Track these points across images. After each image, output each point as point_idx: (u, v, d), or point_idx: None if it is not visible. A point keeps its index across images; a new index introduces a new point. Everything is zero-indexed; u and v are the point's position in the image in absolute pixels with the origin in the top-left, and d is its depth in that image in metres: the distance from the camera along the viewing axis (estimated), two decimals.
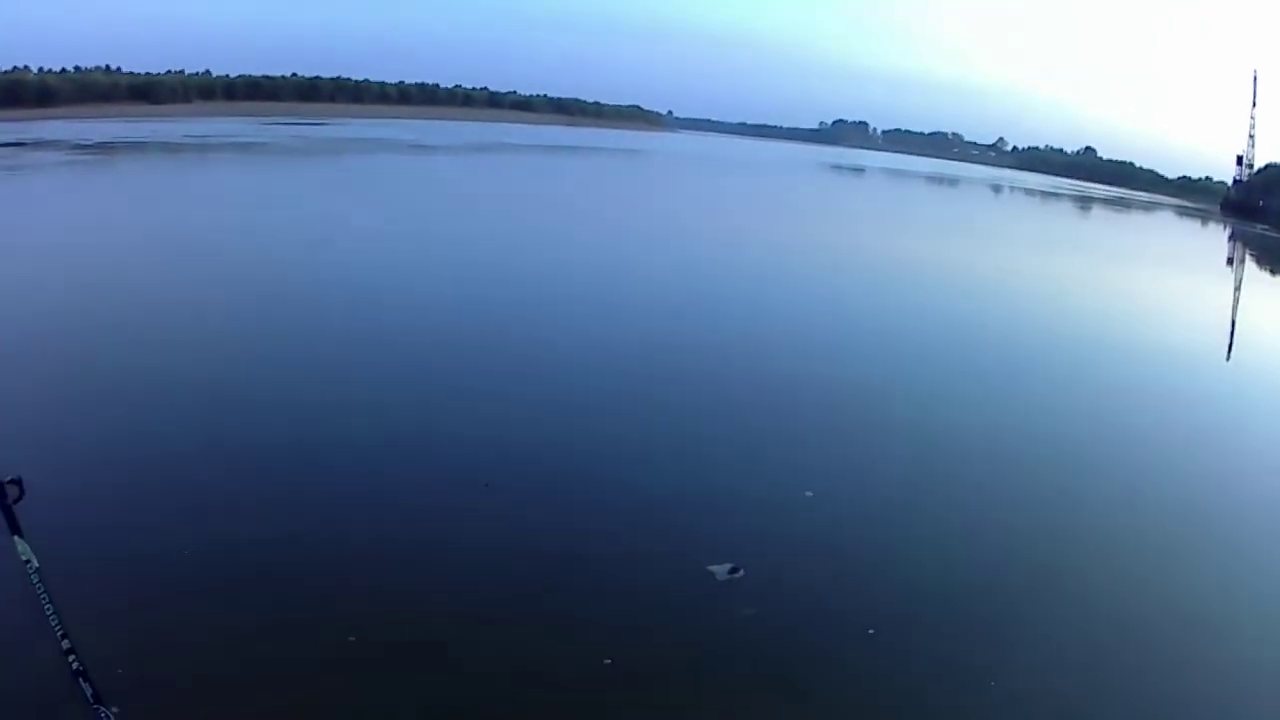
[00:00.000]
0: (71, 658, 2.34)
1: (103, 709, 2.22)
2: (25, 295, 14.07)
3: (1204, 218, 72.84)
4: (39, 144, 26.84)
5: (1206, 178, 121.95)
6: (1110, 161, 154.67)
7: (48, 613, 2.47)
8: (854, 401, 12.34)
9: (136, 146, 39.83)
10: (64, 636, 2.39)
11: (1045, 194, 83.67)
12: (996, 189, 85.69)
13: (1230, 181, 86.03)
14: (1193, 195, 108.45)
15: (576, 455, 9.57)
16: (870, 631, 6.63)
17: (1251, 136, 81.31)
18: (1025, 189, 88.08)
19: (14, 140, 29.18)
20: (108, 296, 14.37)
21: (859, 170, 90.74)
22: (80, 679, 2.28)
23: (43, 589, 2.55)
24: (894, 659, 6.38)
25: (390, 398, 10.76)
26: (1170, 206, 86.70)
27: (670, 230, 30.28)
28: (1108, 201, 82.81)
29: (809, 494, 8.85)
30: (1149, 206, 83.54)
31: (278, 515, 7.60)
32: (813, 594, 7.12)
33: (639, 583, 7.05)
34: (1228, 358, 19.49)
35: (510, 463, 9.13)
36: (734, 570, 7.14)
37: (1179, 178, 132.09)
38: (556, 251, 23.29)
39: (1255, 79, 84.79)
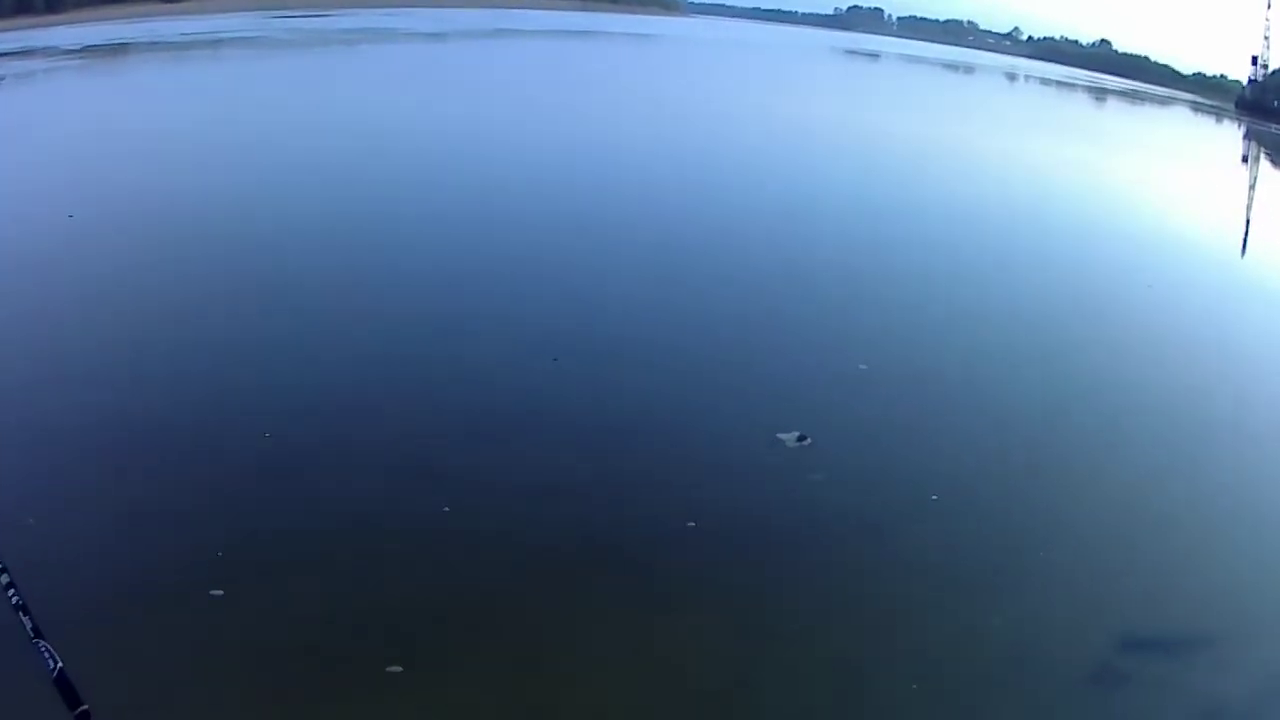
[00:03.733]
0: (11, 591, 2.22)
1: (42, 643, 2.08)
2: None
3: (1218, 115, 71.03)
4: (27, 52, 25.78)
5: (1221, 76, 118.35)
6: (1126, 55, 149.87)
7: None
8: (895, 279, 12.47)
9: (121, 49, 37.98)
10: (3, 570, 2.28)
11: (1060, 84, 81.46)
12: (1012, 77, 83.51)
13: (1245, 81, 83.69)
14: (1207, 92, 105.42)
15: (639, 331, 9.61)
16: (934, 497, 6.85)
17: (1266, 37, 78.57)
18: (1041, 78, 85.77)
19: (4, 50, 27.97)
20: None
21: (874, 55, 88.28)
22: (20, 612, 2.16)
23: None
24: (955, 525, 6.61)
25: (454, 281, 10.62)
26: (1185, 102, 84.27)
27: (710, 114, 29.61)
28: (1123, 94, 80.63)
29: (863, 367, 8.99)
30: (1164, 101, 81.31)
31: (363, 397, 7.61)
32: (876, 462, 7.34)
33: (714, 451, 7.24)
34: (1243, 254, 19.39)
35: (577, 339, 9.14)
36: (802, 438, 7.31)
37: (1194, 74, 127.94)
38: (603, 133, 22.80)
39: None
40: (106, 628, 4.68)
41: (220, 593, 5.05)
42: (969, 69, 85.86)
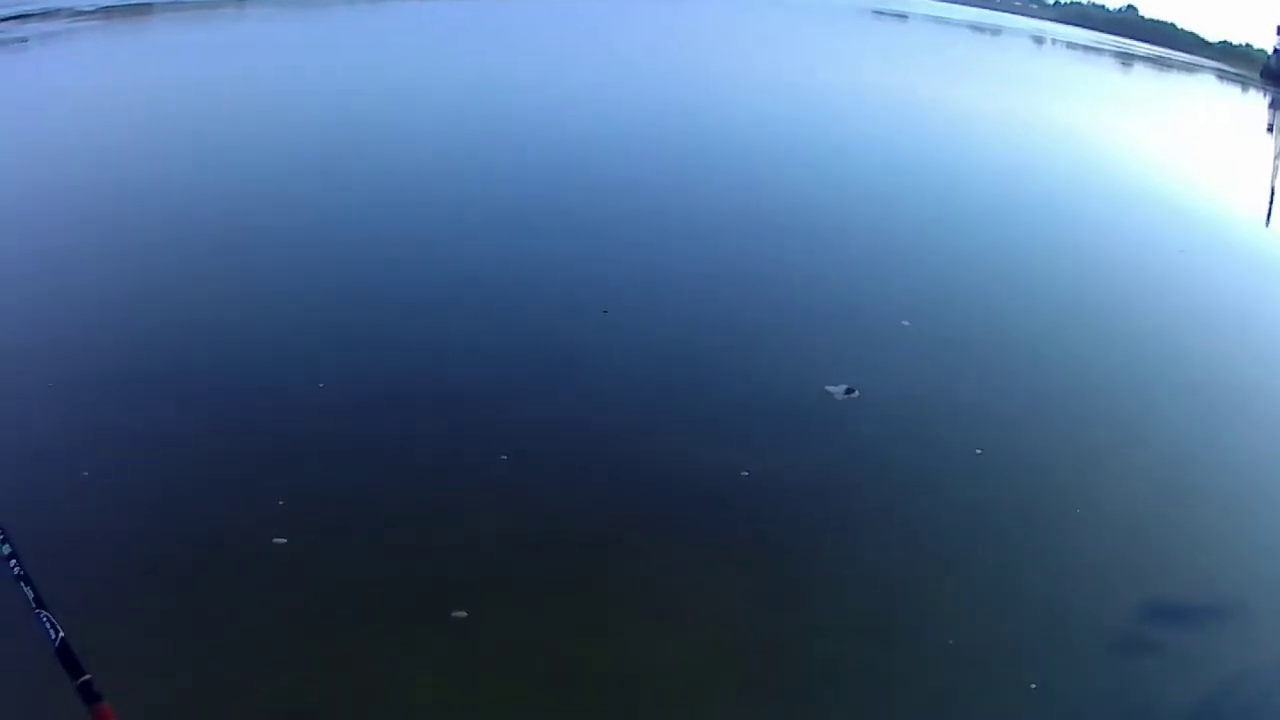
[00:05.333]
0: (13, 562, 2.18)
1: (44, 613, 2.06)
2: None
3: (1244, 84, 69.68)
4: (48, 14, 25.36)
5: (1247, 45, 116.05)
6: (1152, 21, 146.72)
7: None
8: (933, 239, 12.46)
9: (144, 8, 37.27)
10: (4, 540, 2.24)
11: (1087, 48, 79.84)
12: (1039, 40, 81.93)
13: (1270, 50, 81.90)
14: (1233, 60, 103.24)
15: (687, 286, 9.61)
16: (978, 452, 6.95)
17: None
18: (1068, 42, 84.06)
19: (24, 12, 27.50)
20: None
21: (902, 16, 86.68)
22: (22, 583, 2.13)
23: None
24: (1000, 479, 6.76)
25: (500, 234, 10.51)
26: (1210, 70, 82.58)
27: (749, 74, 29.23)
28: (1149, 60, 79.09)
29: (906, 323, 9.05)
30: (1190, 68, 79.64)
31: (418, 348, 7.60)
32: (922, 415, 7.44)
33: (763, 402, 7.31)
34: (1267, 223, 19.20)
35: (624, 291, 9.16)
36: (850, 391, 7.42)
37: (1219, 42, 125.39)
38: (642, 90, 22.49)
39: None
40: (170, 575, 4.78)
41: (283, 540, 5.09)
42: (996, 30, 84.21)
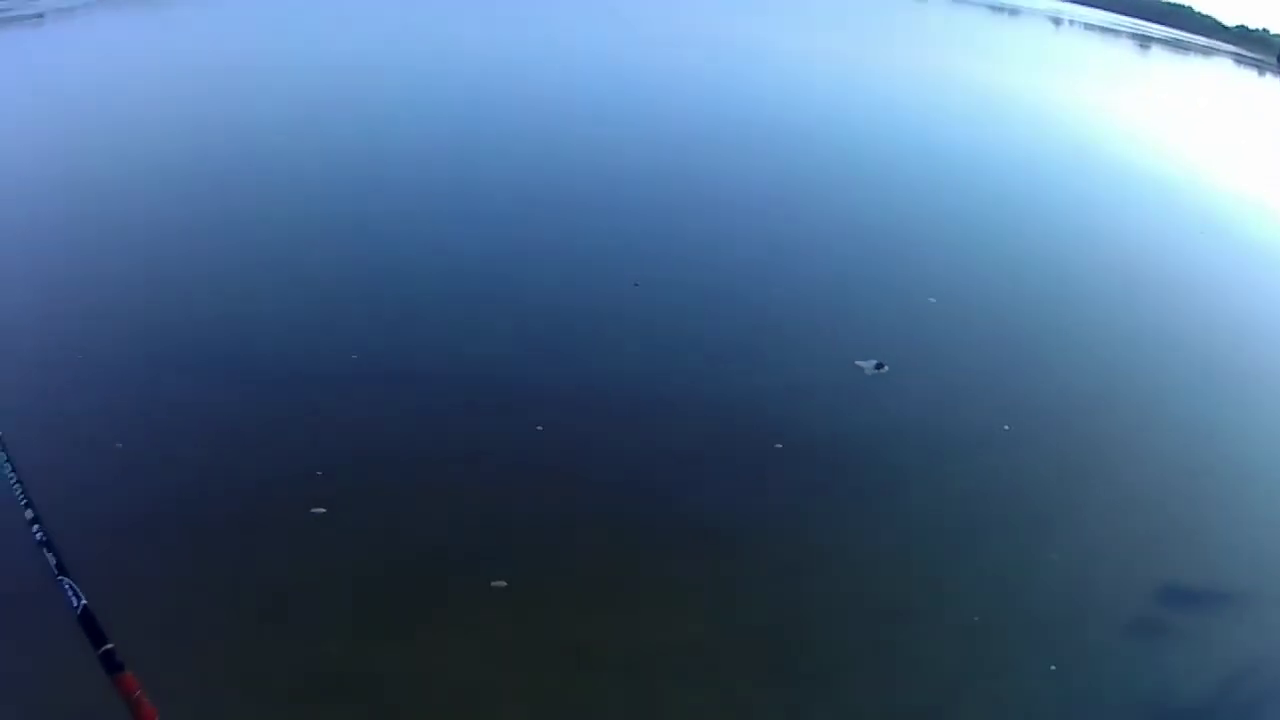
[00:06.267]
0: (35, 528, 2.09)
1: (66, 580, 1.97)
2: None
3: (1260, 68, 69.03)
4: None
5: (1264, 30, 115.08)
6: (1169, 3, 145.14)
7: (10, 482, 2.23)
8: (957, 218, 12.39)
9: None
10: (27, 506, 2.16)
11: (1105, 29, 79.20)
12: (1056, 21, 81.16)
13: None
14: (1249, 45, 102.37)
15: (719, 260, 9.53)
16: (1006, 428, 6.93)
17: None
18: (1085, 23, 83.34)
19: None
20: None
21: None
22: (45, 549, 2.05)
23: (4, 457, 2.29)
24: (1024, 455, 6.72)
25: (536, 208, 10.29)
26: (1227, 54, 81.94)
27: (776, 53, 28.93)
28: (1166, 42, 78.37)
29: (932, 300, 9.01)
30: (1206, 51, 79.05)
31: (453, 320, 7.50)
32: (950, 390, 7.41)
33: (796, 376, 7.28)
34: None
35: (658, 266, 9.01)
36: (879, 366, 7.39)
37: (1236, 26, 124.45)
38: (672, 68, 22.09)
39: None
40: (211, 545, 4.77)
41: (322, 510, 5.08)
42: (1014, 11, 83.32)
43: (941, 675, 4.65)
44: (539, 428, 6.08)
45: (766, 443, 6.25)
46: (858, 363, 7.42)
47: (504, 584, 4.71)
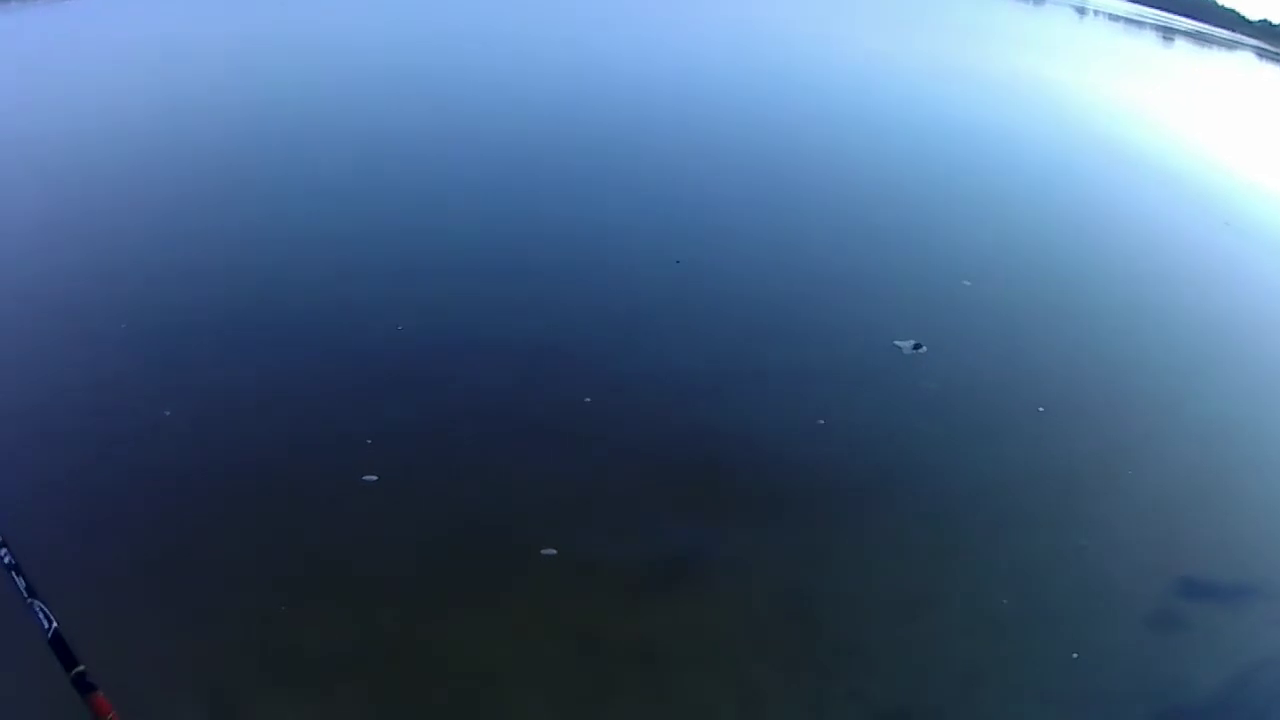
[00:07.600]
0: (3, 550, 2.05)
1: (37, 603, 1.93)
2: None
3: None
4: None
5: None
6: None
7: None
8: (990, 203, 12.37)
9: None
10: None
11: (1129, 20, 78.27)
12: (1081, 11, 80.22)
13: None
14: (1272, 39, 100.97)
15: (762, 241, 9.52)
16: (1040, 409, 6.97)
17: None
18: (1109, 14, 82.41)
19: None
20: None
21: None
22: (13, 573, 2.01)
23: None
24: (1062, 436, 6.75)
25: (578, 189, 10.35)
26: (1250, 48, 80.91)
27: (803, 38, 28.80)
28: (1189, 35, 77.28)
29: (967, 283, 9.03)
30: (1229, 45, 78.04)
31: (502, 297, 7.49)
32: (986, 373, 7.45)
33: (837, 355, 7.33)
34: None
35: (696, 245, 9.02)
36: (917, 346, 7.42)
37: (1260, 21, 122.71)
38: (705, 57, 21.85)
39: None
40: (264, 512, 4.86)
41: (374, 478, 5.13)
42: (1039, 1, 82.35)
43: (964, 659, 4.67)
44: (587, 399, 6.15)
45: (810, 420, 6.29)
46: (896, 342, 7.46)
47: (554, 552, 4.78)
